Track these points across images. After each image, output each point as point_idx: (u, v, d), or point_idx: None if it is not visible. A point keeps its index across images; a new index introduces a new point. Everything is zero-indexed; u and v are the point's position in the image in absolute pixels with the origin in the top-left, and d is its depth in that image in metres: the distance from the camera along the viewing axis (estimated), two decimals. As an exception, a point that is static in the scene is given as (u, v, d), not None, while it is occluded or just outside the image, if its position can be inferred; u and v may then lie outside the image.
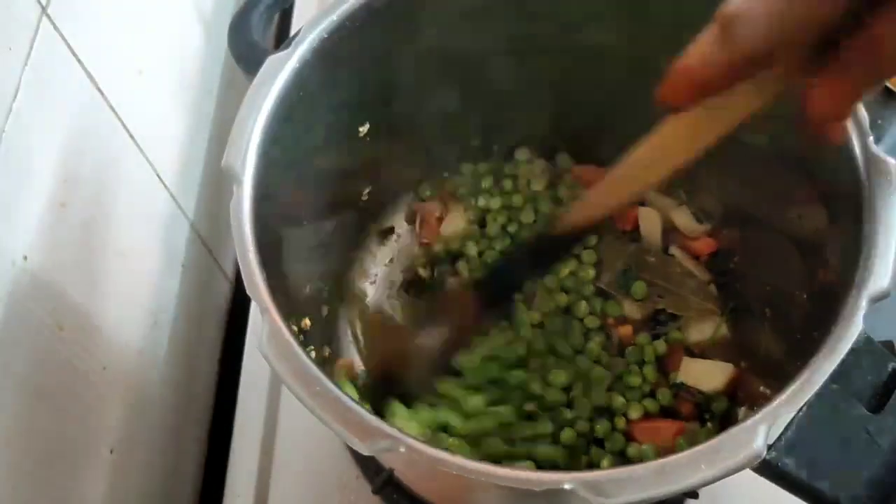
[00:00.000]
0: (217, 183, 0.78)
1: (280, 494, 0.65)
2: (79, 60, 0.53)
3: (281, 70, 0.46)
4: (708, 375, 0.59)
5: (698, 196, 0.65)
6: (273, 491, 0.65)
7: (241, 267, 0.41)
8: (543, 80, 0.60)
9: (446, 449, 0.36)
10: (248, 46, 0.55)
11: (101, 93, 0.56)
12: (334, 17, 0.48)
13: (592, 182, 0.46)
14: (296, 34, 0.48)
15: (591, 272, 0.65)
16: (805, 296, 0.46)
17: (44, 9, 0.49)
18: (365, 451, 0.36)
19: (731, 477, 0.36)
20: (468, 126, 0.65)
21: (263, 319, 0.39)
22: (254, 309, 0.72)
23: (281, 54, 0.47)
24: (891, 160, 0.42)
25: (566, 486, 0.34)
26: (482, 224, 0.68)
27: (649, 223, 0.67)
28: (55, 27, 0.50)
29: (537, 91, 0.61)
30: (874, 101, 0.73)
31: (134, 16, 0.63)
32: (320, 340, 0.59)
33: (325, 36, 0.48)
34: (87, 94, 0.55)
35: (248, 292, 0.40)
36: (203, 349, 0.76)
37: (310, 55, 0.47)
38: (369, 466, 0.62)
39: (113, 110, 0.58)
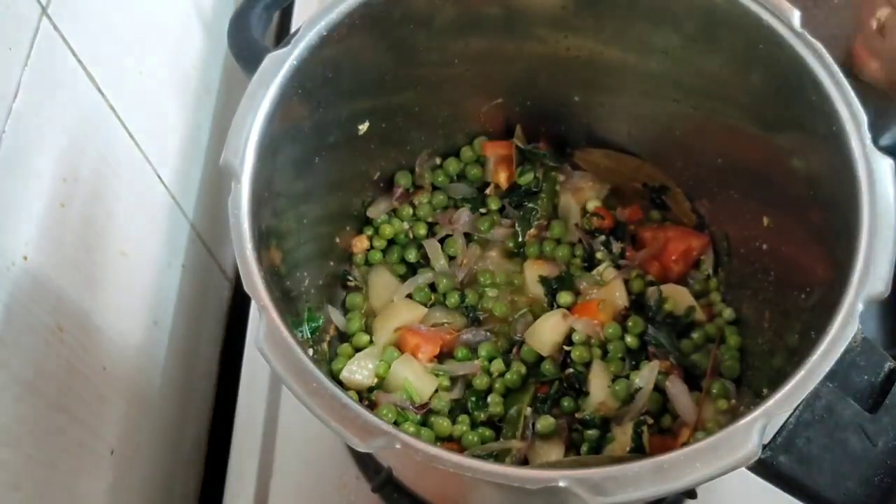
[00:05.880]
0: (217, 183, 0.78)
1: (280, 494, 0.65)
2: (79, 60, 0.53)
3: (280, 67, 0.46)
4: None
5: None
6: (273, 490, 0.65)
7: (238, 264, 0.41)
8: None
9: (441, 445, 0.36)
10: (247, 44, 0.55)
11: (101, 93, 0.56)
12: (334, 15, 0.48)
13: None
14: (295, 32, 0.47)
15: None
16: (803, 296, 0.46)
17: (44, 9, 0.50)
18: (361, 448, 0.36)
19: (728, 477, 0.36)
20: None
21: (261, 316, 0.40)
22: (254, 308, 0.71)
23: (280, 52, 0.47)
24: (888, 160, 0.42)
25: (561, 484, 0.34)
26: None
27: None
28: (55, 27, 0.51)
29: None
30: (874, 100, 0.73)
31: (134, 16, 0.63)
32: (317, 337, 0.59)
33: (325, 34, 0.48)
34: (87, 94, 0.55)
35: (245, 289, 0.41)
36: (203, 349, 0.76)
37: (309, 53, 0.47)
38: (368, 465, 0.62)
39: (113, 110, 0.58)
